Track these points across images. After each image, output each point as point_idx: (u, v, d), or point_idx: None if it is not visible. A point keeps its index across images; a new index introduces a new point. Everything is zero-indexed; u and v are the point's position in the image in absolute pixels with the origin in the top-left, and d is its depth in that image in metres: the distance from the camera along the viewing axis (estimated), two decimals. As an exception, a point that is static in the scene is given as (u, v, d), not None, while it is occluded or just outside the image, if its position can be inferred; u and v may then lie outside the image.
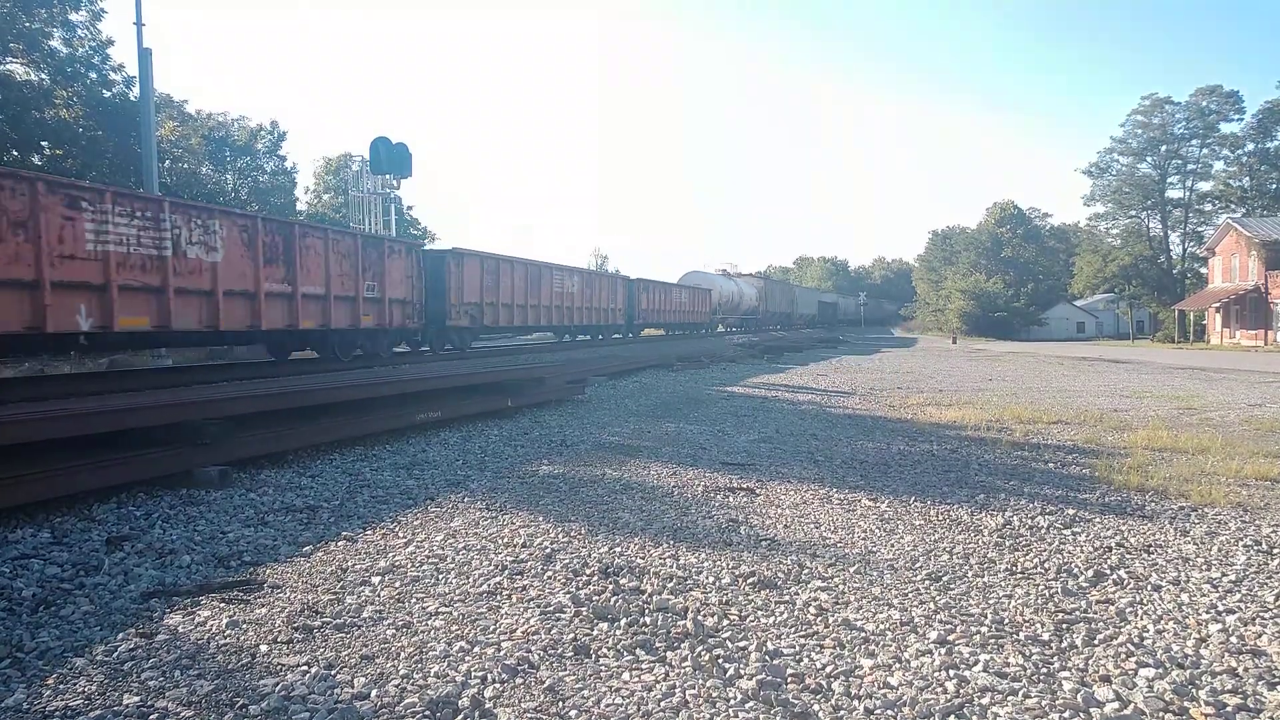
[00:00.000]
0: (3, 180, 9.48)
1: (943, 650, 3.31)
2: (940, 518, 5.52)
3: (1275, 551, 4.74)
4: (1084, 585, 4.13)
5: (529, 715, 2.78)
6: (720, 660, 3.20)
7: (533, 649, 3.28)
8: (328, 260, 14.76)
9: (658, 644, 3.35)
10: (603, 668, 3.13)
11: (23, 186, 9.63)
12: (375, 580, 4.07)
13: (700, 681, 3.02)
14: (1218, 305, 50.80)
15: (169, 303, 11.46)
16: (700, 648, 3.31)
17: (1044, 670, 3.14)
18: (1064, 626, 3.58)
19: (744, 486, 6.37)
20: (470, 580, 4.09)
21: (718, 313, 49.06)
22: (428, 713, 2.77)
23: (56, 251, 9.92)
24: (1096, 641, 3.42)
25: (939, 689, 2.98)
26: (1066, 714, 2.81)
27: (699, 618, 3.61)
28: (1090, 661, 3.23)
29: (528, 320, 25.02)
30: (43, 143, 30.09)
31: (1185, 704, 2.88)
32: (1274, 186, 63.68)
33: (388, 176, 28.76)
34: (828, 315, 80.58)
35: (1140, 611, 3.77)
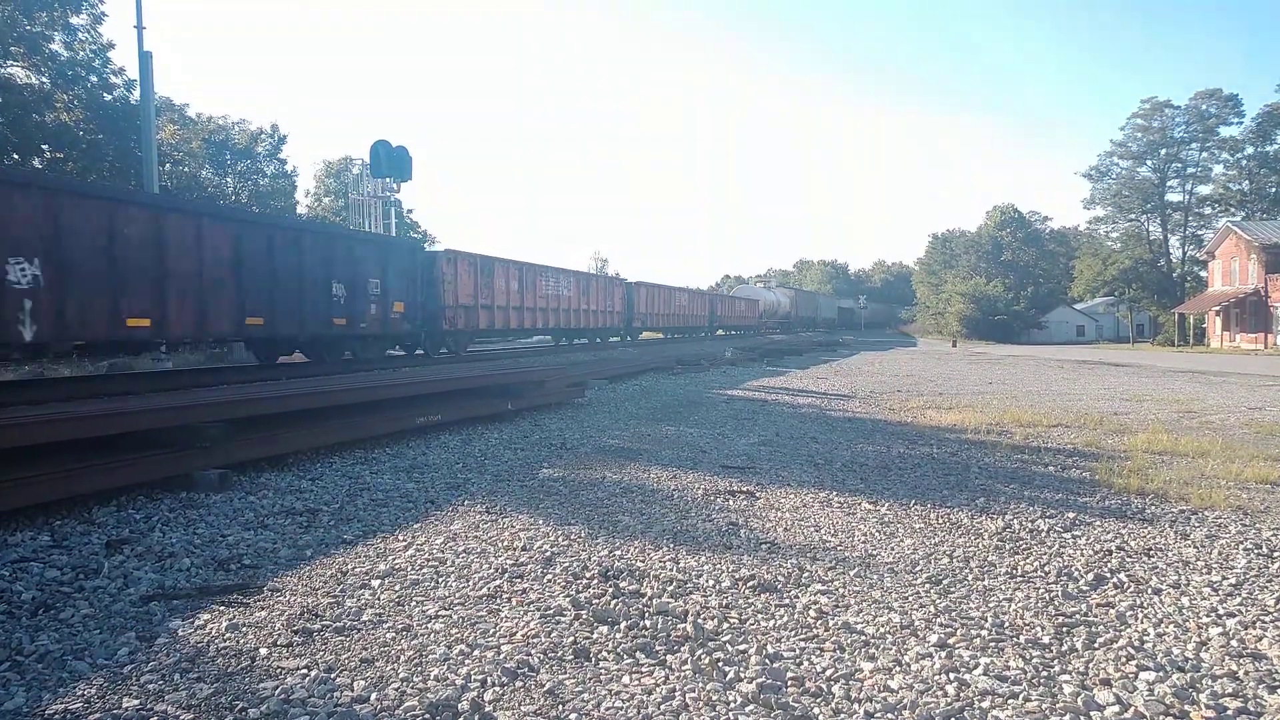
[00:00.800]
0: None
1: (943, 653, 3.31)
2: (940, 521, 5.52)
3: (1276, 555, 4.74)
4: (1084, 588, 4.13)
5: (529, 718, 2.77)
6: (720, 663, 3.19)
7: (533, 652, 3.28)
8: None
9: (658, 647, 3.35)
10: (603, 671, 3.13)
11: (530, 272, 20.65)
12: (375, 583, 4.07)
13: (700, 685, 3.02)
14: (1218, 308, 50.82)
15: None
16: (700, 651, 3.31)
17: (1044, 673, 3.14)
18: (1064, 630, 3.57)
19: (744, 490, 6.37)
20: (470, 583, 4.08)
21: (762, 318, 63.62)
22: (427, 716, 2.77)
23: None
24: (1097, 645, 3.42)
25: (939, 692, 2.98)
26: (1067, 717, 2.81)
27: (699, 621, 3.61)
28: (1090, 665, 3.23)
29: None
30: (43, 146, 30.14)
31: (1185, 707, 2.88)
32: (1273, 190, 63.74)
33: (388, 180, 28.81)
34: (845, 319, 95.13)
35: (1140, 615, 3.77)
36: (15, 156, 29.15)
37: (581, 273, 33.31)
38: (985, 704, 2.89)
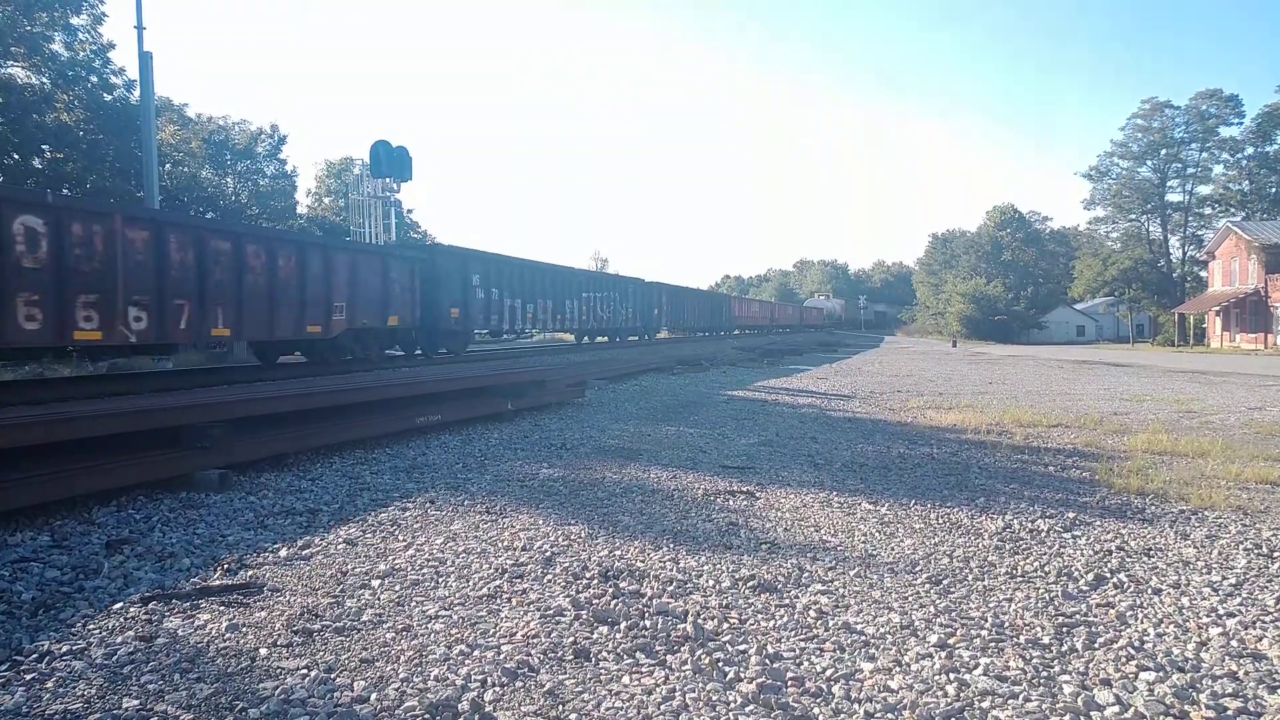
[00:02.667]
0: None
1: (943, 653, 3.31)
2: (940, 521, 5.52)
3: (1275, 555, 4.74)
4: (1084, 589, 4.13)
5: (529, 718, 2.77)
6: (720, 663, 3.19)
7: (533, 652, 3.28)
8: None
9: (658, 647, 3.35)
10: (603, 671, 3.13)
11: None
12: (375, 583, 4.07)
13: (701, 685, 3.02)
14: (1217, 309, 50.83)
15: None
16: (700, 651, 3.31)
17: (1044, 673, 3.14)
18: (1064, 630, 3.57)
19: (744, 490, 6.37)
20: (470, 583, 4.08)
21: (826, 320, 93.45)
22: (428, 716, 2.77)
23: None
24: (1097, 645, 3.42)
25: (939, 692, 2.98)
26: (1067, 717, 2.81)
27: (699, 621, 3.61)
28: (1090, 665, 3.22)
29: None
30: (43, 146, 30.14)
31: (1185, 707, 2.88)
32: (1273, 190, 63.77)
33: (388, 180, 28.81)
34: (877, 320, 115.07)
35: (1140, 615, 3.77)
36: (15, 157, 29.15)
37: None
38: (985, 704, 2.89)
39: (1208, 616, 3.76)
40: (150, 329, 11.29)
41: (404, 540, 4.85)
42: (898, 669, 3.17)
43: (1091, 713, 2.84)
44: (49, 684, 2.98)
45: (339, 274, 15.49)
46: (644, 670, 3.14)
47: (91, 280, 10.40)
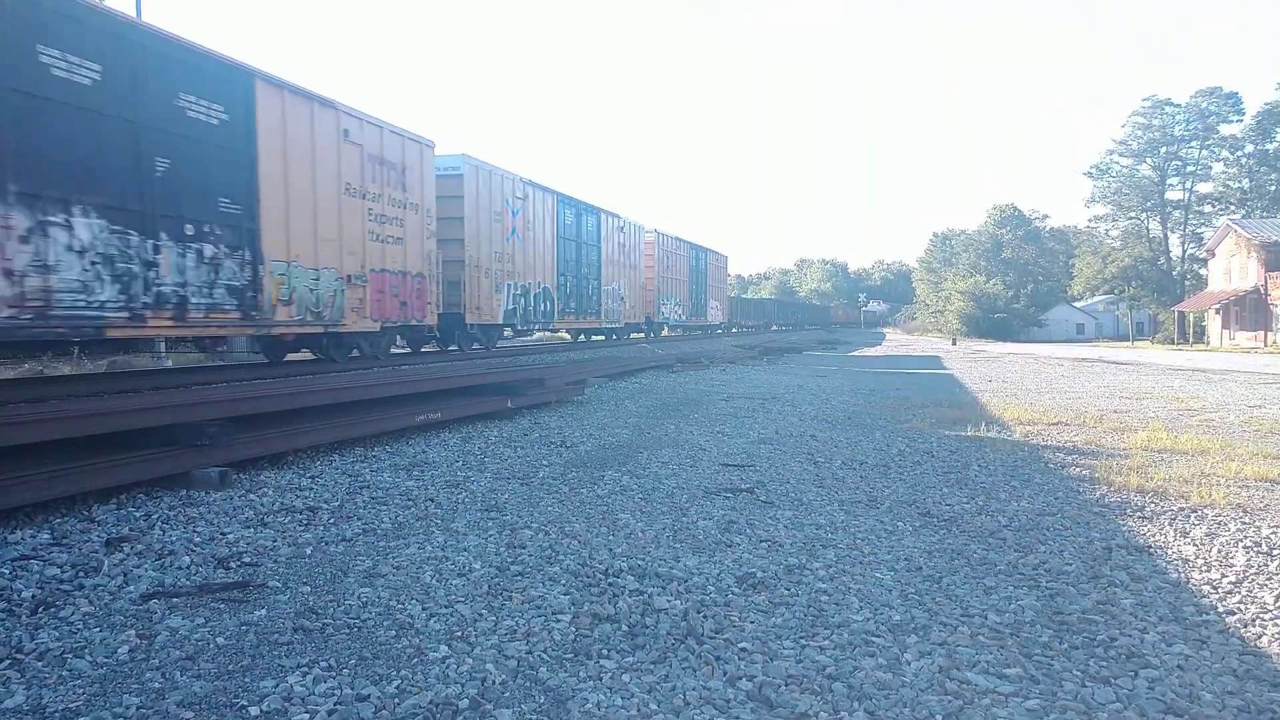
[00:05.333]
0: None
1: (943, 652, 3.31)
2: (940, 519, 5.53)
3: (1275, 553, 4.75)
4: (1084, 587, 4.13)
5: (529, 717, 2.78)
6: (721, 661, 3.20)
7: (533, 651, 3.28)
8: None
9: (658, 645, 3.35)
10: (603, 669, 3.13)
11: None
12: (375, 581, 4.07)
13: (701, 683, 3.02)
14: (1217, 307, 50.83)
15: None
16: (701, 649, 3.31)
17: (1044, 672, 3.14)
18: (1064, 628, 3.58)
19: (744, 488, 6.37)
20: (470, 581, 4.09)
21: (876, 319, 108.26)
22: (428, 715, 2.77)
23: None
24: (1097, 643, 3.42)
25: (940, 690, 2.98)
26: (1067, 715, 2.81)
27: (699, 619, 3.61)
28: (1090, 663, 3.23)
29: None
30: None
31: (1187, 705, 2.88)
32: (1273, 188, 63.72)
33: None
34: (877, 319, 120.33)
35: (1140, 613, 3.77)
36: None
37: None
38: (986, 702, 2.90)
39: (1207, 614, 3.76)
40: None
41: (404, 538, 4.85)
42: (898, 667, 3.17)
43: (1091, 711, 2.84)
44: (49, 682, 2.98)
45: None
46: (644, 669, 3.14)
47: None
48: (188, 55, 10.42)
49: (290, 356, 15.55)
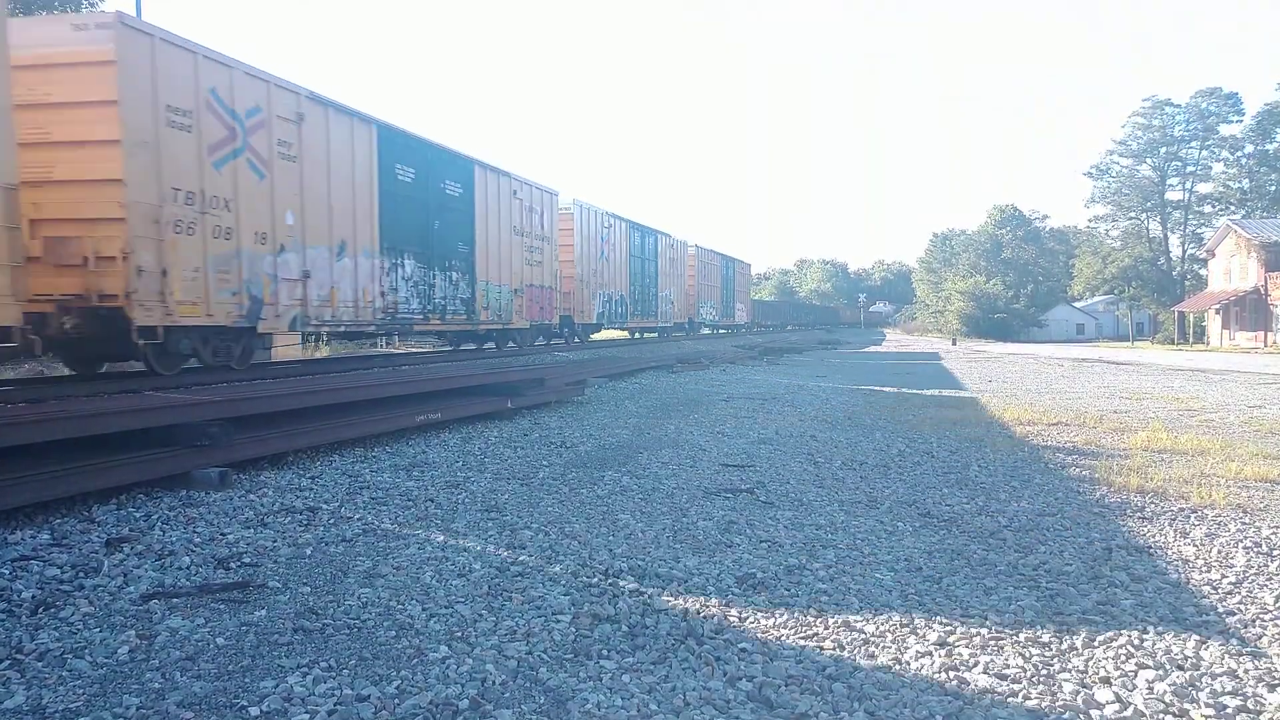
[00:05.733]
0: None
1: (943, 652, 3.32)
2: (940, 518, 5.53)
3: (1275, 553, 4.75)
4: (1084, 587, 4.13)
5: (529, 717, 2.78)
6: (721, 662, 3.20)
7: (533, 651, 3.28)
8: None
9: (658, 646, 3.35)
10: (603, 669, 3.13)
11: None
12: (375, 582, 4.07)
13: (701, 683, 3.02)
14: (1217, 307, 50.84)
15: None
16: (701, 649, 3.31)
17: (1044, 672, 3.15)
18: (1064, 628, 3.58)
19: (744, 488, 6.37)
20: (470, 582, 4.09)
21: (883, 318, 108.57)
22: (428, 715, 2.77)
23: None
24: (1096, 643, 3.42)
25: (940, 690, 2.98)
26: (1067, 715, 2.81)
27: (699, 619, 3.61)
28: (1090, 663, 3.23)
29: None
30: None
31: (1185, 705, 2.88)
32: (1273, 188, 63.72)
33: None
34: (878, 318, 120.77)
35: (1140, 613, 3.77)
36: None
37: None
38: (986, 702, 2.90)
39: (1207, 615, 3.76)
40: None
41: (404, 539, 4.85)
42: (898, 667, 3.18)
43: (1091, 711, 2.84)
44: (49, 682, 2.98)
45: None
46: (644, 670, 3.14)
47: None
48: (447, 155, 16.70)
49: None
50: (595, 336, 27.87)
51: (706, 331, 42.07)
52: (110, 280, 9.67)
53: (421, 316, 15.73)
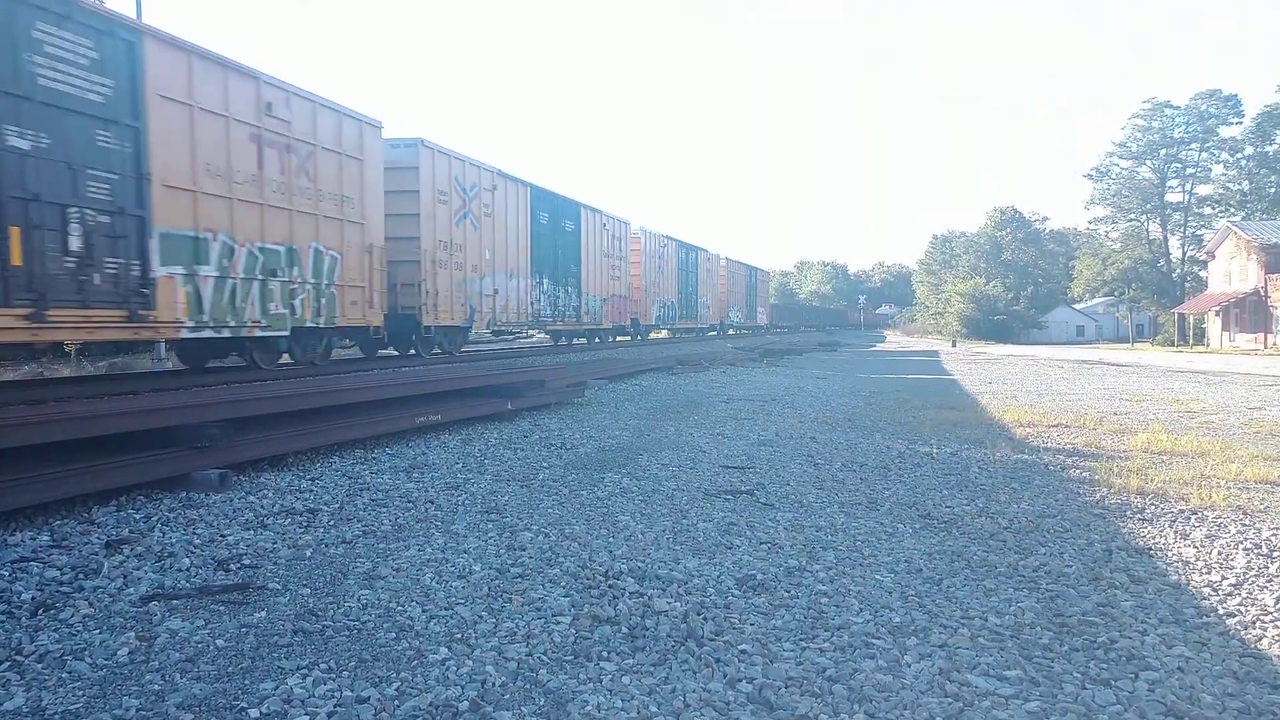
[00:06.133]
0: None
1: (943, 654, 3.31)
2: (941, 520, 5.52)
3: (1275, 554, 4.75)
4: (1084, 588, 4.13)
5: (529, 719, 2.77)
6: (721, 664, 3.20)
7: (533, 653, 3.28)
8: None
9: (659, 648, 3.35)
10: (603, 671, 3.13)
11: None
12: (375, 583, 4.07)
13: (701, 685, 3.02)
14: (1217, 309, 50.83)
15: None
16: (701, 651, 3.31)
17: (1044, 674, 3.14)
18: (1064, 630, 3.58)
19: (744, 489, 6.37)
20: (470, 583, 4.08)
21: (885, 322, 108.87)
22: (428, 716, 2.77)
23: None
24: (1097, 645, 3.42)
25: (940, 692, 2.98)
26: (1068, 718, 2.81)
27: (700, 621, 3.61)
28: (1091, 665, 3.23)
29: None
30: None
31: (1187, 707, 2.88)
32: (1273, 190, 63.72)
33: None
34: (877, 320, 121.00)
35: (1140, 615, 3.77)
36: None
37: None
38: (985, 704, 2.89)
39: (1208, 616, 3.76)
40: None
41: (404, 540, 4.85)
42: (899, 669, 3.17)
43: (1093, 713, 2.84)
44: (49, 684, 2.98)
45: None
46: (644, 670, 3.14)
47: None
48: (565, 201, 23.17)
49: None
50: (651, 335, 34.54)
51: (733, 331, 47.58)
52: (409, 299, 16.12)
53: (551, 319, 22.73)
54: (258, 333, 11.56)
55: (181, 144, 10.13)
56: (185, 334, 10.48)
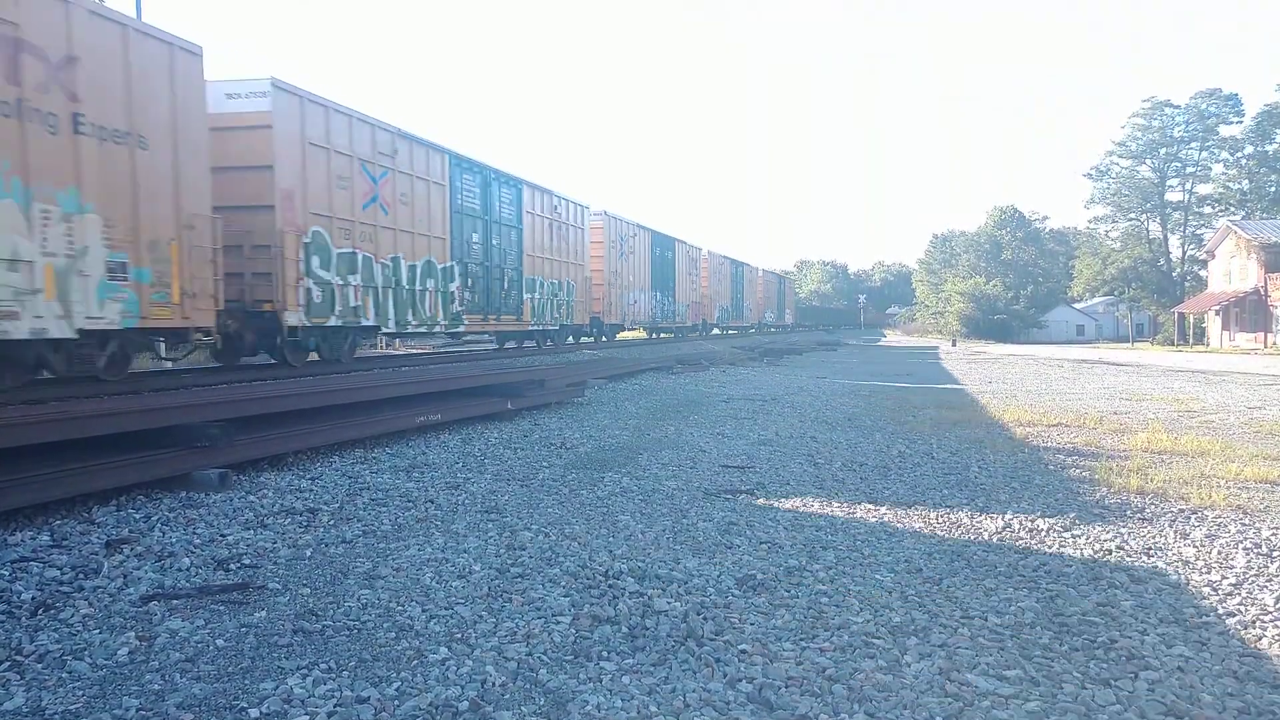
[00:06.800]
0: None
1: (943, 653, 3.31)
2: (940, 520, 5.52)
3: (1275, 554, 4.74)
4: (1084, 588, 4.13)
5: (529, 718, 2.77)
6: (721, 663, 3.20)
7: (533, 653, 3.28)
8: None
9: (659, 647, 3.35)
10: (603, 671, 3.13)
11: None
12: (375, 583, 4.07)
13: (701, 685, 3.02)
14: (1217, 308, 50.81)
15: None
16: (701, 651, 3.31)
17: (1044, 673, 3.14)
18: (1064, 629, 3.57)
19: (744, 489, 6.37)
20: (470, 583, 4.08)
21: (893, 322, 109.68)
22: (428, 716, 2.77)
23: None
24: (1097, 644, 3.42)
25: (940, 692, 2.98)
26: (1068, 717, 2.81)
27: (700, 621, 3.61)
28: (1091, 664, 3.23)
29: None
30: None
31: (1187, 707, 2.88)
32: (1273, 189, 63.65)
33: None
34: (877, 319, 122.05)
35: (1140, 615, 3.77)
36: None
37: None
38: (985, 704, 2.89)
39: (1207, 616, 3.76)
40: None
41: (404, 540, 4.85)
42: (898, 669, 3.17)
43: (1093, 713, 2.84)
44: (49, 684, 2.98)
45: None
46: (644, 670, 3.14)
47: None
48: (670, 238, 32.24)
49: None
50: (714, 332, 41.11)
51: (772, 330, 57.44)
52: (601, 306, 25.73)
53: (660, 320, 30.76)
54: (553, 328, 21.62)
55: (531, 235, 19.76)
56: (532, 328, 20.28)
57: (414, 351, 21.65)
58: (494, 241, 18.00)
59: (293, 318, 11.81)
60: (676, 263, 33.15)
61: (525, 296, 19.60)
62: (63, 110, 8.37)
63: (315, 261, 12.20)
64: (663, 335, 36.75)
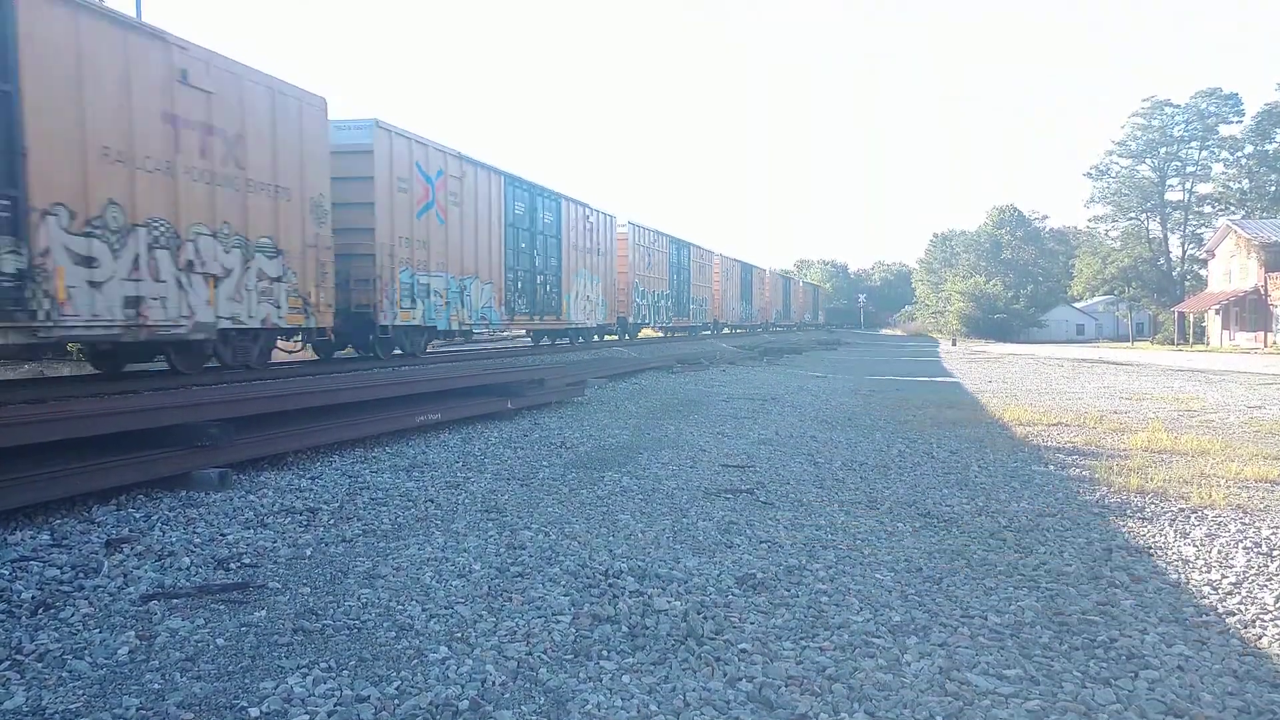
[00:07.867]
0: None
1: (943, 653, 3.31)
2: (940, 520, 5.52)
3: (1275, 553, 4.75)
4: (1084, 587, 4.13)
5: (529, 718, 2.78)
6: (721, 662, 3.20)
7: (533, 652, 3.28)
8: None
9: (658, 646, 3.35)
10: (603, 670, 3.13)
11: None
12: (375, 582, 4.07)
13: (701, 684, 3.02)
14: (1217, 307, 50.81)
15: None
16: (701, 650, 3.31)
17: (1044, 673, 3.14)
18: (1064, 629, 3.58)
19: (744, 489, 6.37)
20: (470, 582, 4.08)
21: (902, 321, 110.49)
22: (428, 716, 2.77)
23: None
24: (1097, 644, 3.42)
25: (940, 691, 2.98)
26: (1068, 717, 2.81)
27: (699, 620, 3.61)
28: (1091, 664, 3.23)
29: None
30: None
31: (1187, 706, 2.88)
32: (1273, 189, 63.63)
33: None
34: (876, 319, 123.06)
35: (1140, 614, 3.77)
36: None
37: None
38: (986, 703, 2.89)
39: (1207, 615, 3.76)
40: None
41: (404, 539, 4.85)
42: (898, 668, 3.17)
43: (1093, 712, 2.84)
44: (49, 683, 2.98)
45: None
46: (644, 670, 3.14)
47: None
48: (689, 245, 34.63)
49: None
50: (724, 331, 42.54)
51: (812, 329, 66.78)
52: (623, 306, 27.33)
53: (677, 320, 32.54)
54: (589, 325, 23.41)
55: (568, 244, 21.35)
56: (570, 326, 21.86)
57: (463, 348, 22.20)
58: (538, 250, 20.20)
59: (385, 318, 14.40)
60: (691, 266, 35.26)
61: (564, 299, 21.67)
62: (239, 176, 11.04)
63: (402, 272, 14.78)
64: (678, 335, 38.02)
